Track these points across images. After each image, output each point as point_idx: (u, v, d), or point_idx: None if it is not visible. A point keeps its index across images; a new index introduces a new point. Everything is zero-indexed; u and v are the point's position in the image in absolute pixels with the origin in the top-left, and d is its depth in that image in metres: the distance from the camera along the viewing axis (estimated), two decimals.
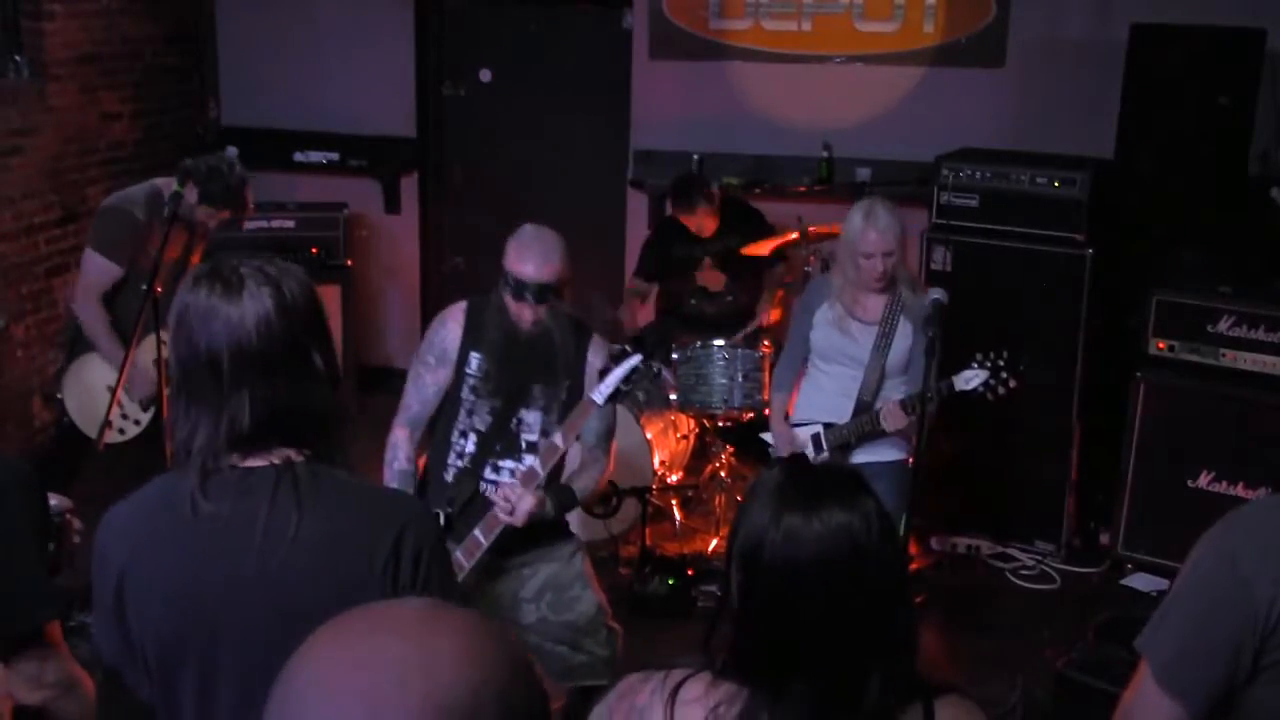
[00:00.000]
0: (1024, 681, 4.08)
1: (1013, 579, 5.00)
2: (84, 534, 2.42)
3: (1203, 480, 4.67)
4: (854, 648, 1.54)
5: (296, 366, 1.70)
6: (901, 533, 3.88)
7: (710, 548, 5.12)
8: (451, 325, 3.37)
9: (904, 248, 3.98)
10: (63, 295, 5.86)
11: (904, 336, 3.98)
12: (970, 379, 3.83)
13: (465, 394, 3.33)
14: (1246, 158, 5.26)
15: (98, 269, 4.36)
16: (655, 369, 3.25)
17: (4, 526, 1.87)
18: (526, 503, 3.11)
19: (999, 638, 4.53)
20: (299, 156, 6.86)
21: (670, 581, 4.73)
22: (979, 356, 3.86)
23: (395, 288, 7.11)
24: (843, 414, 4.07)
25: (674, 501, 5.37)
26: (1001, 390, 3.83)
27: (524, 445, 3.30)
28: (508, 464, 3.29)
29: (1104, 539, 5.05)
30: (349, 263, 6.49)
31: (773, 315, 5.66)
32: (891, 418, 3.91)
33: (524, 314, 3.23)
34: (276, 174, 6.75)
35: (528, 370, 3.28)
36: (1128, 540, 4.88)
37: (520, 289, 3.20)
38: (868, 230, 3.89)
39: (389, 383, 6.95)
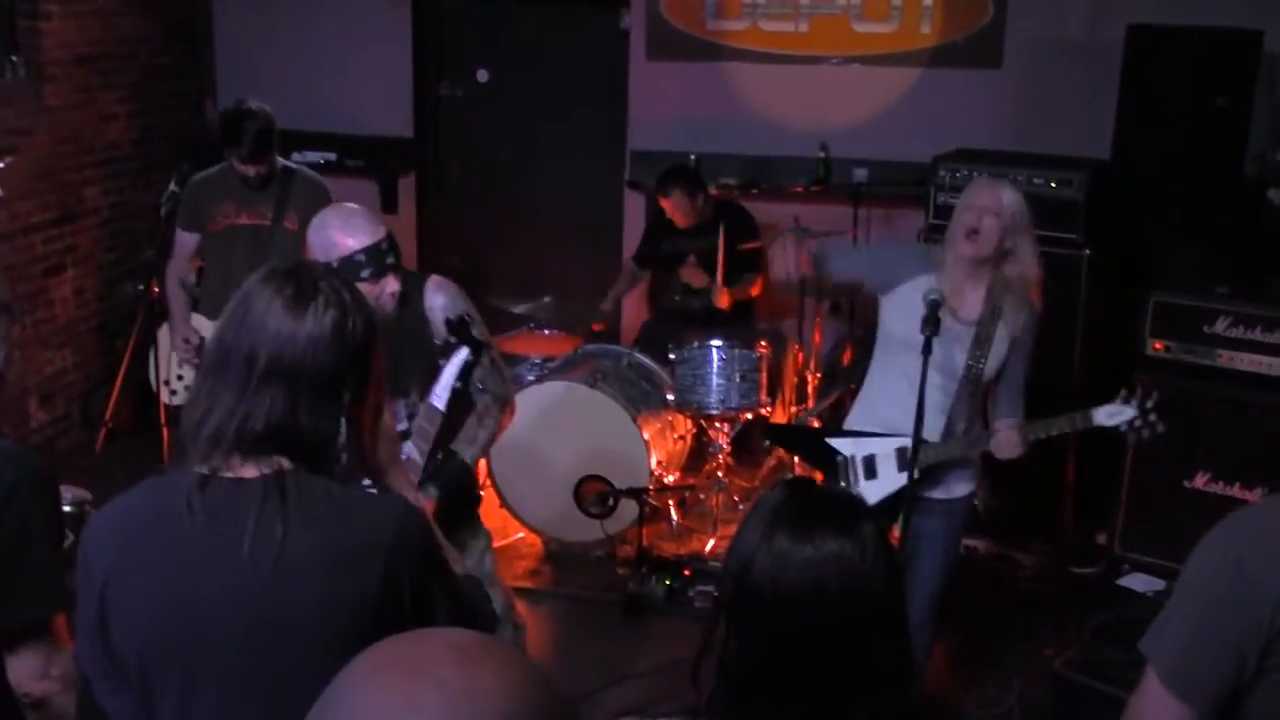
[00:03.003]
0: (1021, 682, 4.08)
1: (1010, 579, 5.00)
2: None
3: (1199, 481, 4.67)
4: (838, 679, 1.52)
5: (326, 395, 1.70)
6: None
7: (707, 548, 5.12)
8: None
9: (1031, 248, 3.46)
10: (59, 295, 5.87)
11: (999, 349, 3.48)
12: (1114, 415, 3.41)
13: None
14: (1243, 159, 5.26)
15: (176, 242, 4.70)
16: (490, 357, 2.92)
17: (16, 519, 1.88)
18: None
19: (996, 638, 4.53)
20: (296, 157, 6.80)
21: (667, 582, 4.72)
22: (1124, 393, 3.46)
23: None
24: (927, 432, 3.43)
25: (671, 502, 5.37)
26: (1146, 434, 3.42)
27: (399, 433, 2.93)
28: None
29: (1101, 539, 5.05)
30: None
31: (722, 301, 5.55)
32: (1007, 445, 3.46)
33: (389, 287, 2.88)
34: None
35: (404, 362, 2.94)
36: (1125, 540, 4.88)
37: (379, 257, 2.84)
38: (984, 184, 3.43)
39: None
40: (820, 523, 1.54)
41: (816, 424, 5.17)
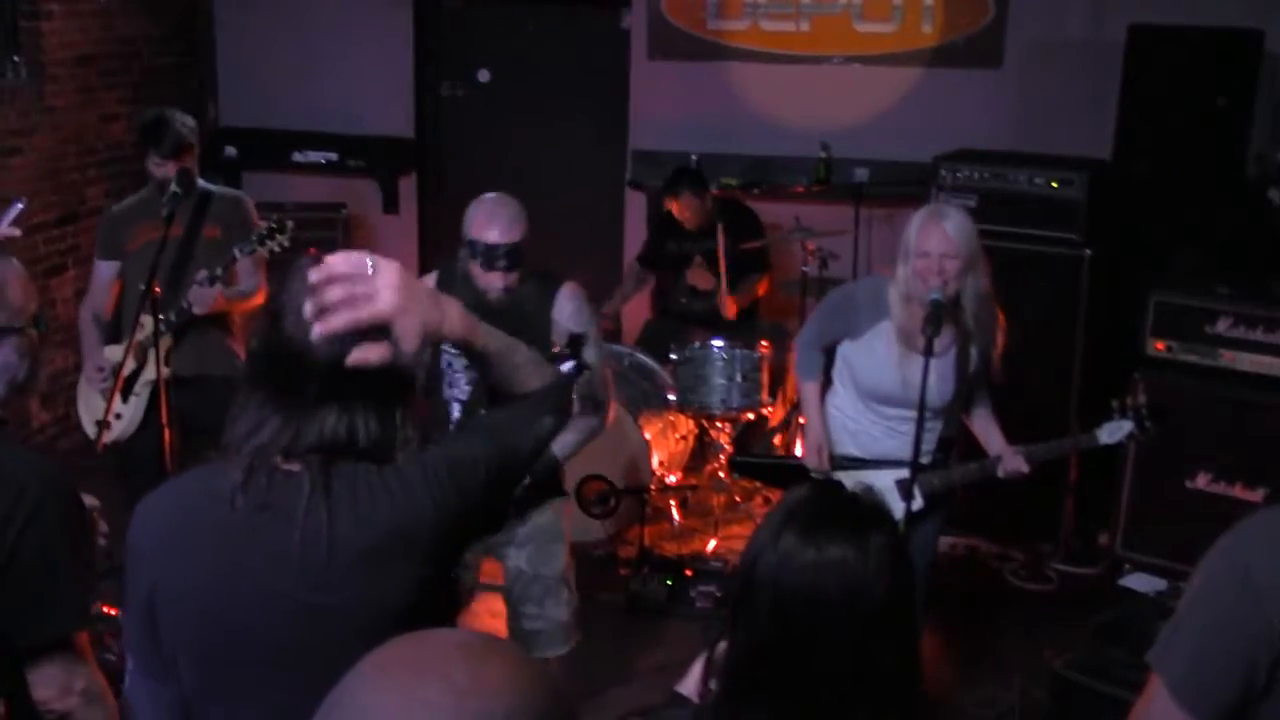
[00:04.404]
0: (1022, 682, 4.08)
1: (1011, 579, 5.00)
2: (107, 536, 2.43)
3: (1201, 481, 4.67)
4: (838, 681, 1.51)
5: (383, 401, 1.66)
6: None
7: (709, 548, 5.12)
8: None
9: (982, 269, 3.36)
10: (61, 295, 5.86)
11: (975, 366, 3.48)
12: (1115, 432, 3.47)
13: (444, 363, 3.33)
14: (1244, 158, 5.26)
15: (92, 273, 4.50)
16: (586, 375, 3.22)
17: (39, 535, 1.87)
18: None
19: (997, 638, 4.53)
20: (297, 157, 6.85)
21: (668, 582, 4.73)
22: (1116, 404, 3.51)
23: None
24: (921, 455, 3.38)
25: (673, 502, 5.37)
26: (1144, 440, 3.53)
27: None
28: None
29: (1102, 539, 5.05)
30: None
31: (730, 311, 5.60)
32: (1013, 471, 3.49)
33: (494, 282, 3.17)
34: (275, 174, 6.74)
35: None
36: (1126, 541, 4.88)
37: (491, 255, 3.14)
38: (931, 225, 3.30)
39: None
40: (829, 527, 1.54)
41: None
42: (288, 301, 1.63)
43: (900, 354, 3.41)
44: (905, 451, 3.35)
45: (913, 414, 3.28)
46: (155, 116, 4.34)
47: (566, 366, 2.86)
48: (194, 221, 4.35)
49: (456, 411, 3.34)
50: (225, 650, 1.66)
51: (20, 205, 4.28)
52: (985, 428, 3.65)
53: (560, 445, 3.32)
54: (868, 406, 3.57)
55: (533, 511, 3.43)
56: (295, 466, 1.65)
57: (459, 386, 3.34)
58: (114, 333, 4.45)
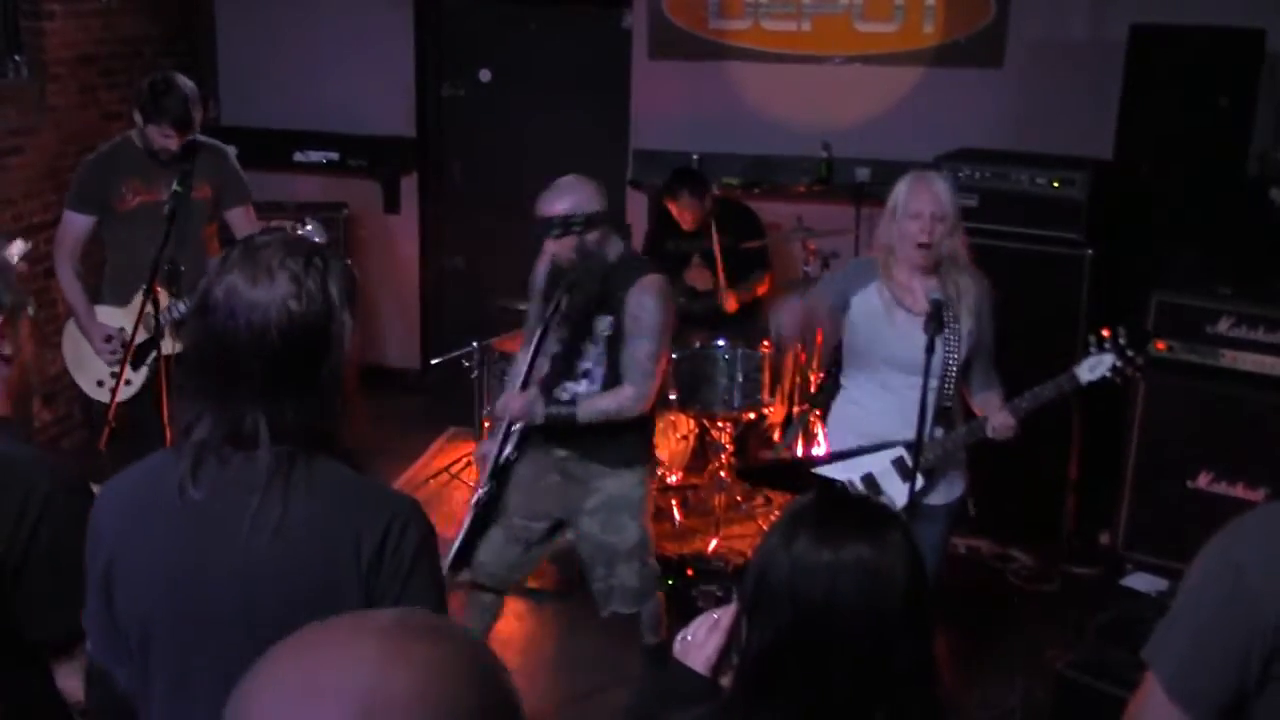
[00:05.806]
0: (1024, 682, 4.08)
1: (1013, 579, 5.00)
2: None
3: (1202, 481, 4.67)
4: (854, 681, 1.51)
5: (309, 385, 1.67)
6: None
7: (709, 548, 5.12)
8: (541, 264, 3.72)
9: (960, 235, 3.47)
10: (62, 295, 5.86)
11: (967, 330, 3.46)
12: (1096, 367, 3.31)
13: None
14: (1246, 158, 5.26)
15: (63, 222, 4.39)
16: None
17: (52, 530, 1.87)
18: (514, 405, 3.59)
19: (999, 638, 4.53)
20: (299, 156, 6.85)
21: (669, 582, 4.72)
22: (1093, 338, 3.36)
23: (394, 288, 7.11)
24: (909, 435, 3.37)
25: (674, 502, 5.37)
26: (1130, 371, 3.31)
27: (580, 371, 3.65)
28: (567, 385, 3.67)
29: (1104, 539, 5.05)
30: (348, 263, 6.46)
31: (730, 305, 5.62)
32: (1002, 427, 3.41)
33: (550, 248, 3.53)
34: (276, 174, 6.73)
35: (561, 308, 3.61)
36: (1127, 540, 4.88)
37: (548, 227, 3.47)
38: (920, 186, 3.41)
39: (388, 382, 7.00)
40: (843, 528, 1.54)
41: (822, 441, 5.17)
42: (217, 296, 1.65)
43: (889, 310, 3.48)
44: (906, 429, 3.37)
45: (915, 380, 3.31)
46: (165, 82, 4.17)
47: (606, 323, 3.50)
48: (184, 180, 4.22)
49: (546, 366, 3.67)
50: (177, 634, 1.68)
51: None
52: (985, 403, 3.59)
53: (590, 410, 3.54)
54: (866, 376, 3.59)
55: (609, 479, 3.63)
56: (258, 451, 1.66)
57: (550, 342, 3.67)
58: (93, 293, 4.35)
